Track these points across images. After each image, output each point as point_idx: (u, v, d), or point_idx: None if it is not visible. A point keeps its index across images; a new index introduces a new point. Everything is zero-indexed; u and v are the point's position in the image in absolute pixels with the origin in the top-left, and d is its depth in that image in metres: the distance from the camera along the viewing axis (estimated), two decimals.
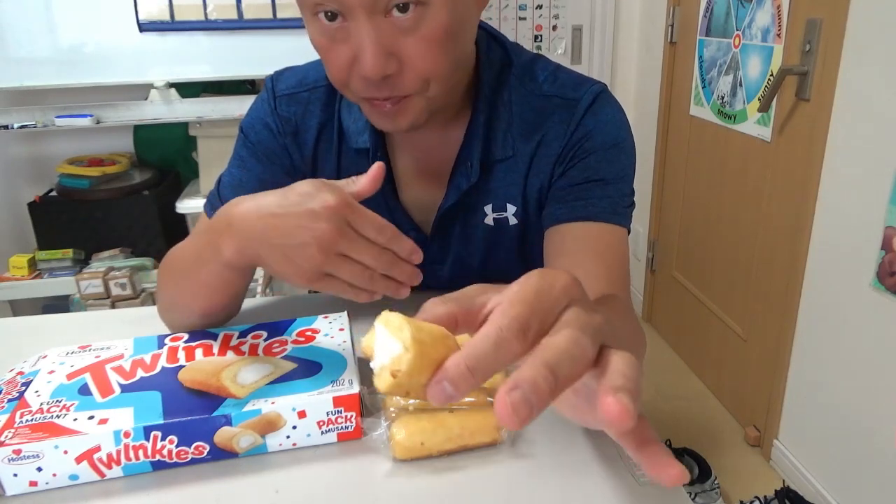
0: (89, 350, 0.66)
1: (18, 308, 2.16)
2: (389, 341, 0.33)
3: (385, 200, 0.80)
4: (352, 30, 0.59)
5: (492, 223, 0.80)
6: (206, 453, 0.56)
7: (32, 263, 2.06)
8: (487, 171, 0.77)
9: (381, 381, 0.33)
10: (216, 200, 0.80)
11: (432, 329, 0.33)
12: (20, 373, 0.62)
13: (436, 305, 0.36)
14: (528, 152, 0.76)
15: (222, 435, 0.55)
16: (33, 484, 0.53)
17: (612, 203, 0.72)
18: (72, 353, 0.65)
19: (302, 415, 0.57)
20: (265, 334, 0.68)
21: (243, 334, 0.68)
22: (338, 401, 0.57)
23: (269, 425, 0.56)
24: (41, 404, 0.56)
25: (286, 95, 0.79)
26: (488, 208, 0.80)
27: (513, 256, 0.85)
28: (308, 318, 0.71)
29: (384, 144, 0.78)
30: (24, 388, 0.59)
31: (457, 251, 0.84)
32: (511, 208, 0.79)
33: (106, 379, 0.60)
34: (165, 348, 0.66)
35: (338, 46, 0.61)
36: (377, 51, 0.59)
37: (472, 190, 0.77)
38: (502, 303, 0.33)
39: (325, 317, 0.72)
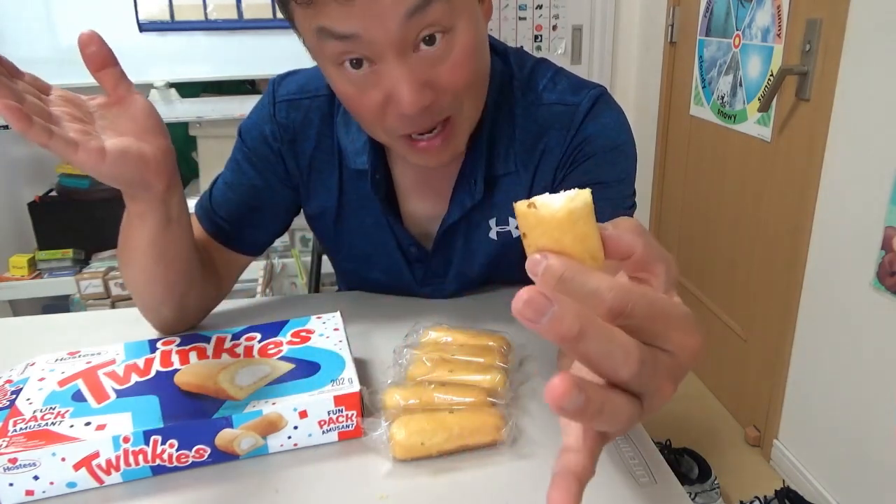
0: (79, 356, 0.65)
1: (18, 308, 2.16)
2: (564, 195, 0.31)
3: (385, 216, 0.80)
4: (382, 72, 0.59)
5: (495, 237, 0.80)
6: (206, 456, 0.56)
7: (32, 263, 2.06)
8: (491, 186, 0.77)
9: (526, 203, 0.31)
10: (207, 202, 0.80)
11: (594, 237, 0.31)
12: (8, 381, 0.62)
13: (630, 233, 0.33)
14: (531, 164, 0.76)
15: (223, 437, 0.55)
16: (30, 493, 0.52)
17: (612, 205, 0.72)
18: (61, 359, 0.65)
19: (303, 415, 0.57)
20: (259, 336, 0.68)
21: (236, 336, 0.68)
22: (339, 400, 0.57)
23: (271, 426, 0.56)
24: (34, 412, 0.56)
25: (286, 101, 0.78)
26: (492, 222, 0.79)
27: (516, 266, 0.84)
28: (301, 319, 0.71)
29: (384, 160, 0.78)
30: (14, 396, 0.59)
31: (459, 265, 0.84)
32: (513, 222, 0.79)
33: (100, 385, 0.60)
34: (158, 352, 0.65)
35: (368, 92, 0.61)
36: (413, 87, 0.58)
37: (475, 206, 0.77)
38: (639, 290, 0.30)
39: (319, 317, 0.72)
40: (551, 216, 0.30)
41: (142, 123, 0.60)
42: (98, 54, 0.57)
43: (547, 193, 0.31)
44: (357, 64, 0.59)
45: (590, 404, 0.28)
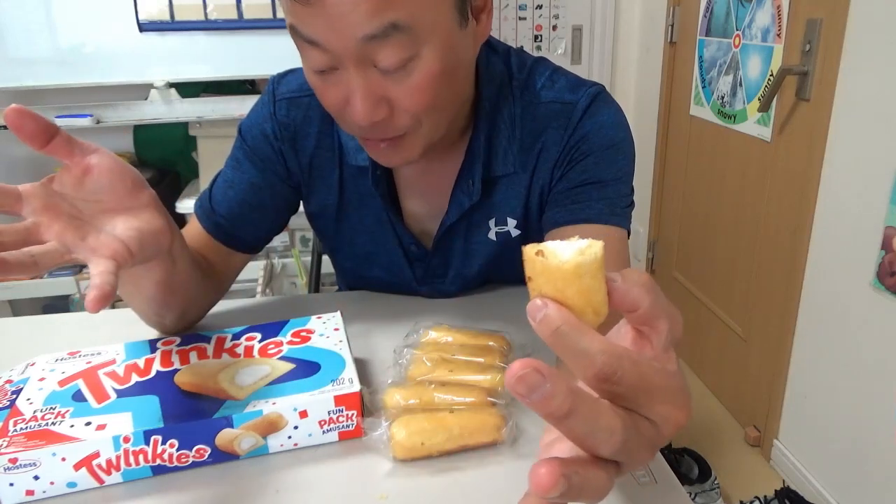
0: (79, 356, 0.65)
1: (18, 308, 2.15)
2: (575, 245, 0.30)
3: (386, 214, 0.80)
4: (343, 77, 0.59)
5: (494, 238, 0.80)
6: (206, 456, 0.56)
7: None
8: (490, 186, 0.77)
9: (535, 249, 0.31)
10: (206, 201, 0.80)
11: (598, 292, 0.30)
12: (8, 381, 0.62)
13: (638, 287, 0.32)
14: (529, 164, 0.76)
15: (224, 437, 0.55)
16: (30, 493, 0.52)
17: (609, 204, 0.72)
18: (61, 359, 0.65)
19: (303, 415, 0.57)
20: (259, 336, 0.68)
21: (237, 336, 0.68)
22: (339, 400, 0.57)
23: (271, 426, 0.56)
24: (34, 412, 0.56)
25: (286, 99, 0.78)
26: (491, 223, 0.79)
27: (515, 266, 0.84)
28: (302, 319, 0.71)
29: None
30: (14, 396, 0.58)
31: (458, 265, 0.84)
32: (512, 222, 0.79)
33: (100, 385, 0.60)
34: (158, 352, 0.65)
35: (330, 89, 0.62)
36: (367, 100, 0.59)
37: (474, 207, 0.77)
38: (629, 355, 0.30)
39: (319, 317, 0.72)
40: (557, 267, 0.30)
41: (121, 185, 0.54)
42: (37, 128, 0.49)
43: (558, 241, 0.30)
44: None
45: (572, 489, 0.28)
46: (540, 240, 0.78)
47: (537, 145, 0.75)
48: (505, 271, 0.86)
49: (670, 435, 0.32)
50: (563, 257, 0.30)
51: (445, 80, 0.61)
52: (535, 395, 0.27)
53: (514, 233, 0.79)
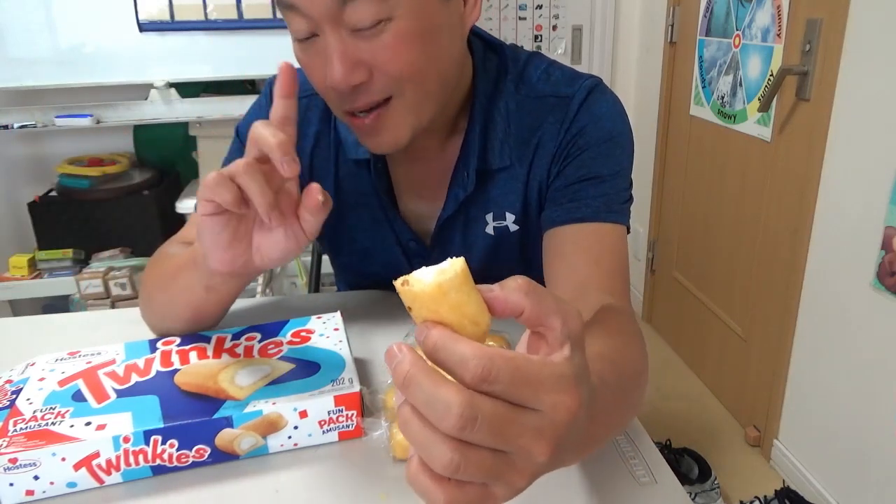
0: (79, 356, 0.65)
1: (18, 308, 2.15)
2: (436, 267, 0.33)
3: (384, 211, 0.80)
4: (321, 44, 0.60)
5: (492, 232, 0.80)
6: (206, 456, 0.56)
7: (32, 263, 2.06)
8: (486, 180, 0.77)
9: (401, 281, 0.34)
10: None
11: (469, 303, 0.33)
12: (8, 381, 0.62)
13: (516, 293, 0.34)
14: (526, 158, 0.75)
15: (223, 437, 0.55)
16: (30, 493, 0.52)
17: (607, 201, 0.71)
18: (61, 359, 0.65)
19: (303, 415, 0.57)
20: (259, 336, 0.68)
21: (237, 336, 0.68)
22: (339, 400, 0.57)
23: (271, 426, 0.56)
24: (34, 412, 0.56)
25: None
26: (489, 217, 0.79)
27: (514, 262, 0.84)
28: (302, 319, 0.71)
29: (383, 155, 0.78)
30: (14, 396, 0.59)
31: None
32: (510, 216, 0.79)
33: (100, 385, 0.60)
34: (158, 352, 0.65)
35: (313, 59, 0.62)
36: (343, 61, 0.59)
37: (470, 200, 0.77)
38: (515, 357, 0.32)
39: (319, 317, 0.72)
40: (422, 291, 0.33)
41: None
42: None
43: (423, 268, 0.33)
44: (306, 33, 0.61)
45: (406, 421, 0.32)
46: (539, 236, 0.78)
47: (534, 139, 0.75)
48: (504, 268, 0.85)
49: (566, 421, 0.32)
50: (426, 280, 0.33)
51: (421, 45, 0.61)
52: (393, 365, 0.31)
53: (513, 228, 0.79)
